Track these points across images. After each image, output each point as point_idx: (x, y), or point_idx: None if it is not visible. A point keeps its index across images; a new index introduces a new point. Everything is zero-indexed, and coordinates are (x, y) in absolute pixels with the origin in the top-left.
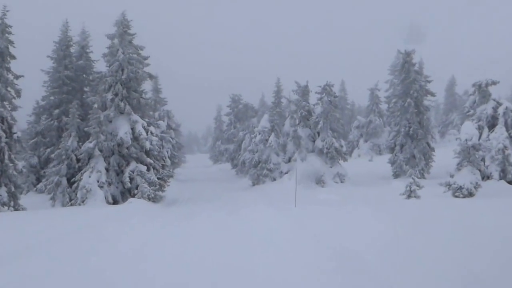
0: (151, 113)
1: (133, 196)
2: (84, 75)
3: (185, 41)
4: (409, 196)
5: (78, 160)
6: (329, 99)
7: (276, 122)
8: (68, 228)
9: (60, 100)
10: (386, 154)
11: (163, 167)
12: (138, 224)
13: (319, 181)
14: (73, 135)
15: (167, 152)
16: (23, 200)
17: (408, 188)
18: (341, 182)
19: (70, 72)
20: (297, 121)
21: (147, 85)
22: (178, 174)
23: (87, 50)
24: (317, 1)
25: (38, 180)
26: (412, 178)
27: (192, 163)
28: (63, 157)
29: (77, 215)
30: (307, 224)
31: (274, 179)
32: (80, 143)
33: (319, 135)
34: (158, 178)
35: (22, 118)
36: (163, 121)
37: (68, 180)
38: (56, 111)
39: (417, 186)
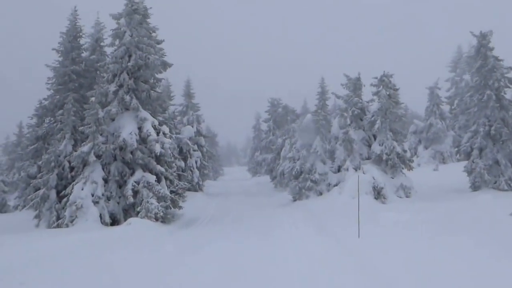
0: (165, 109)
1: (138, 214)
2: (98, 72)
3: (230, 55)
4: None
5: (72, 169)
6: (387, 92)
7: (322, 123)
8: None
9: (65, 98)
10: (451, 163)
11: (179, 177)
12: (112, 264)
13: (379, 196)
14: (67, 137)
15: (196, 161)
16: (12, 217)
17: None
18: (406, 196)
19: (78, 66)
20: (348, 121)
21: (177, 89)
22: (209, 186)
23: (102, 44)
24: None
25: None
26: None
27: (229, 176)
28: (52, 164)
29: (19, 245)
30: (388, 273)
31: (320, 193)
32: (77, 147)
33: (375, 138)
34: (172, 192)
35: (24, 121)
36: (192, 126)
37: (59, 193)
38: (60, 111)
39: None
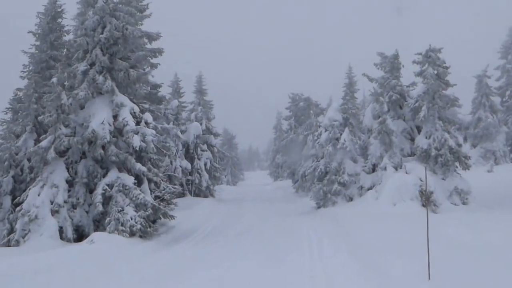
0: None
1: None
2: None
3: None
4: None
5: (32, 170)
6: (435, 71)
7: (351, 113)
8: None
9: (43, 88)
10: (505, 164)
11: (169, 178)
12: None
13: (428, 202)
14: (28, 130)
15: (205, 163)
16: None
17: None
18: (463, 203)
19: (58, 51)
20: (385, 107)
21: (187, 85)
22: (222, 191)
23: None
24: None
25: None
26: None
27: (250, 181)
28: (7, 163)
29: None
30: None
31: (351, 198)
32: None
33: (418, 130)
34: (156, 198)
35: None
36: (201, 124)
37: (16, 199)
38: (35, 105)
39: None
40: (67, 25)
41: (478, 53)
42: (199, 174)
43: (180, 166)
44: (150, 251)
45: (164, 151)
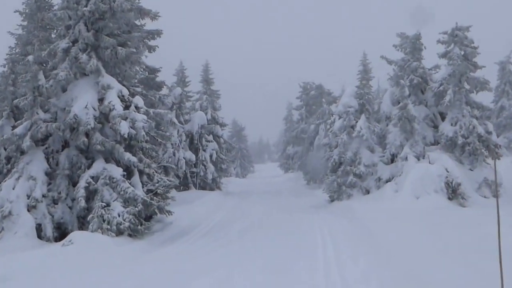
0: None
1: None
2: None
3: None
4: None
5: (9, 160)
6: (462, 51)
7: (368, 98)
8: None
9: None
10: None
11: (165, 170)
12: None
13: (455, 195)
14: (5, 115)
15: (210, 155)
16: None
17: None
18: (493, 195)
19: (46, 32)
20: (406, 92)
21: (192, 73)
22: (229, 184)
23: None
24: None
25: None
26: None
27: (260, 173)
28: None
29: None
30: None
31: (367, 191)
32: None
33: (442, 117)
34: (149, 192)
35: None
36: (206, 113)
37: None
38: (12, 88)
39: None
40: (57, 4)
41: (500, 38)
42: (204, 166)
43: (184, 157)
44: (139, 252)
45: (159, 140)
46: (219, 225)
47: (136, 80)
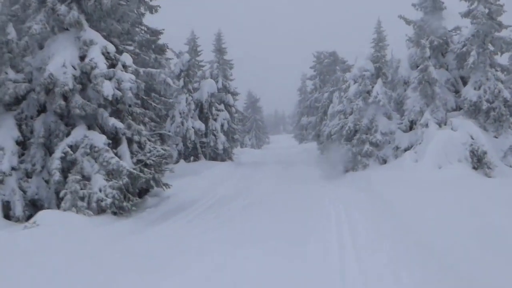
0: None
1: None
2: None
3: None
4: None
5: None
6: (486, 9)
7: (385, 61)
8: None
9: None
10: None
11: (161, 138)
12: None
13: (480, 164)
14: None
15: (222, 124)
16: None
17: None
18: None
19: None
20: (427, 53)
21: (204, 43)
22: (242, 154)
23: None
24: None
25: None
26: None
27: (275, 144)
28: None
29: None
30: None
31: (384, 161)
32: None
33: (464, 82)
34: (139, 162)
35: None
36: (216, 82)
37: None
38: None
39: None
40: None
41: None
42: (215, 136)
43: (193, 127)
44: (121, 234)
45: (154, 104)
46: (222, 199)
47: (135, 43)
